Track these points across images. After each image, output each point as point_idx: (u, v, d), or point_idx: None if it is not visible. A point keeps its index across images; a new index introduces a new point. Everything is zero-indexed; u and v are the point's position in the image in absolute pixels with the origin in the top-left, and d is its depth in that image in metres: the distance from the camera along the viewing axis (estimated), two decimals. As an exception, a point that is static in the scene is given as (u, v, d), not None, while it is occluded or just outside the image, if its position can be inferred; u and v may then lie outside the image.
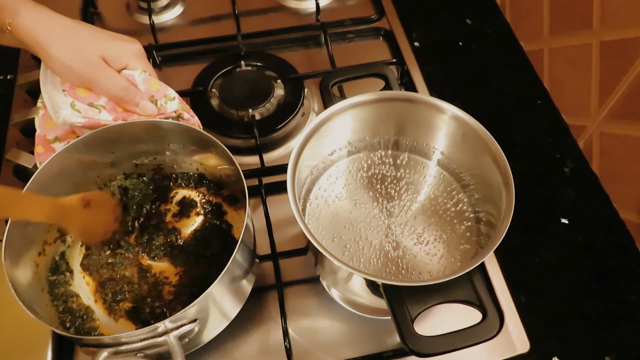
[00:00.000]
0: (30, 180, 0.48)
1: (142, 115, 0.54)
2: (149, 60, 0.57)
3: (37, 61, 0.74)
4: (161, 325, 0.42)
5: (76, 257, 0.55)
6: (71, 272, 0.54)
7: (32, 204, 0.47)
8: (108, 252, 0.55)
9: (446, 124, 0.53)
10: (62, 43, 0.49)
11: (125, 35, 0.55)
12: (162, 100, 0.55)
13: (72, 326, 0.50)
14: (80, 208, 0.51)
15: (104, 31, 0.53)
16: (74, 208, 0.50)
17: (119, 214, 0.56)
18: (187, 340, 0.45)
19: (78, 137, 0.53)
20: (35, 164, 0.61)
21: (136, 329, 0.45)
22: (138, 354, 0.44)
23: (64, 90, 0.52)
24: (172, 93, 0.55)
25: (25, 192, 0.48)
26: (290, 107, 0.70)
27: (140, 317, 0.52)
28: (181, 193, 0.59)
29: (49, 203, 0.48)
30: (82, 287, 0.54)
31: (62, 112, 0.51)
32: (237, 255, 0.45)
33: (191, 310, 0.43)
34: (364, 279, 0.47)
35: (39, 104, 0.54)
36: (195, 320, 0.44)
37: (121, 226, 0.57)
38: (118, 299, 0.53)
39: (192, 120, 0.57)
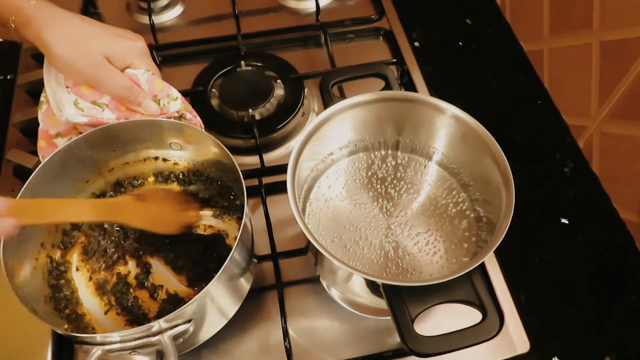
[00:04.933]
0: (31, 177, 0.48)
1: (144, 115, 0.54)
2: (150, 60, 0.57)
3: (37, 61, 0.74)
4: (155, 325, 0.42)
5: (76, 255, 0.55)
6: (71, 270, 0.54)
7: (76, 206, 0.48)
8: (107, 251, 0.55)
9: (446, 124, 0.53)
10: (66, 41, 0.49)
11: (130, 32, 0.54)
12: (164, 100, 0.55)
13: (70, 324, 0.50)
14: (134, 202, 0.51)
15: (109, 28, 0.53)
16: (125, 204, 0.51)
17: (187, 200, 0.56)
18: (181, 340, 0.45)
19: (80, 133, 0.53)
20: (35, 164, 0.61)
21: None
22: (132, 353, 0.44)
23: (67, 87, 0.52)
24: (175, 93, 0.56)
25: (65, 199, 0.50)
26: (290, 107, 0.70)
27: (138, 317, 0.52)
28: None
29: (94, 204, 0.49)
30: (82, 284, 0.53)
31: (66, 110, 0.51)
32: (235, 254, 0.45)
33: (187, 309, 0.43)
34: (364, 279, 0.47)
35: (42, 98, 0.54)
36: (190, 321, 0.44)
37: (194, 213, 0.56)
38: (117, 297, 0.53)
39: (194, 120, 0.57)
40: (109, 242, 0.56)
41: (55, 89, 0.52)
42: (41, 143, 0.55)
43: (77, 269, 0.54)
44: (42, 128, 0.55)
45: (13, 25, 0.49)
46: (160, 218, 0.53)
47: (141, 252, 0.55)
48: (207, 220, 0.57)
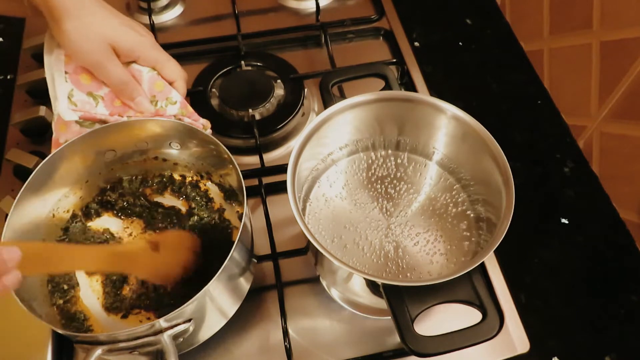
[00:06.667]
0: (31, 177, 0.48)
1: (137, 111, 0.54)
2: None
3: (37, 61, 0.74)
4: (156, 324, 0.42)
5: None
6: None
7: (83, 255, 0.45)
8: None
9: (446, 124, 0.53)
10: (77, 20, 0.49)
11: (141, 26, 0.55)
12: (162, 102, 0.55)
13: (70, 323, 0.50)
14: (148, 252, 0.48)
15: (121, 16, 0.53)
16: (139, 254, 0.48)
17: (197, 248, 0.53)
18: (181, 339, 0.45)
19: None
20: (35, 164, 0.61)
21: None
22: (132, 352, 0.44)
23: (66, 73, 0.52)
24: (174, 97, 0.55)
25: (74, 245, 0.47)
26: (290, 107, 0.70)
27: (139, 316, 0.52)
28: (182, 192, 0.59)
29: (104, 252, 0.46)
30: (83, 284, 0.53)
31: (59, 105, 0.51)
32: (235, 254, 0.45)
33: (187, 308, 0.43)
34: (364, 279, 0.47)
35: (54, 108, 0.54)
36: (190, 320, 0.44)
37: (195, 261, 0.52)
38: (119, 297, 0.53)
39: (196, 124, 0.57)
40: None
41: (54, 74, 0.51)
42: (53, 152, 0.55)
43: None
44: (54, 137, 0.55)
45: None
46: (165, 271, 0.51)
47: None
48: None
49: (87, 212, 0.56)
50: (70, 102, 0.51)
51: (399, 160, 0.58)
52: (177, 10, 0.84)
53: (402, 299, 0.43)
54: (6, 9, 0.54)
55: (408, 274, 0.51)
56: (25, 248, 0.37)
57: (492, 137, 0.49)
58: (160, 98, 0.55)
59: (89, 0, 0.51)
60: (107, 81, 0.52)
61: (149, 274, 0.50)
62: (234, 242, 0.45)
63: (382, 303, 0.44)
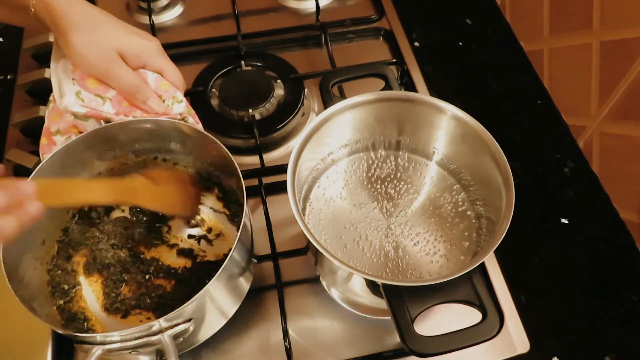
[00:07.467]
0: (30, 177, 0.48)
1: (145, 112, 0.54)
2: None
3: (37, 61, 0.74)
4: (156, 324, 0.42)
5: (78, 254, 0.55)
6: (73, 269, 0.54)
7: (92, 188, 0.50)
8: (111, 252, 0.55)
9: (446, 124, 0.53)
10: (83, 32, 0.49)
11: (145, 32, 0.55)
12: (169, 102, 0.55)
13: (70, 323, 0.50)
14: (148, 185, 0.52)
15: (125, 25, 0.53)
16: (139, 187, 0.51)
17: (192, 180, 0.57)
18: (181, 339, 0.45)
19: (80, 131, 0.53)
20: (35, 164, 0.61)
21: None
22: (132, 352, 0.44)
23: (73, 79, 0.52)
24: (180, 96, 0.56)
25: (83, 179, 0.51)
26: (290, 107, 0.70)
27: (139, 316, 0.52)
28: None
29: (111, 185, 0.50)
30: (83, 284, 0.53)
31: (66, 98, 0.51)
32: (235, 254, 0.45)
33: (187, 308, 0.43)
34: (364, 279, 0.47)
35: (51, 97, 0.54)
36: (190, 320, 0.44)
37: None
38: (119, 297, 0.53)
39: (197, 127, 0.57)
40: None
41: (61, 78, 0.52)
42: (43, 140, 0.55)
43: (81, 267, 0.54)
44: (46, 126, 0.55)
45: (33, 10, 0.49)
46: (168, 200, 0.54)
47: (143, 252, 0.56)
48: (208, 216, 0.57)
49: (87, 212, 0.56)
50: (77, 97, 0.51)
51: (399, 161, 0.58)
52: (177, 10, 0.84)
53: (402, 299, 0.43)
54: (8, 18, 0.54)
55: (408, 274, 0.51)
56: (40, 182, 0.43)
57: (492, 137, 0.49)
58: (167, 97, 0.55)
59: (95, 12, 0.51)
60: (118, 87, 0.52)
61: (156, 203, 0.53)
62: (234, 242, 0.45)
63: (382, 303, 0.44)
